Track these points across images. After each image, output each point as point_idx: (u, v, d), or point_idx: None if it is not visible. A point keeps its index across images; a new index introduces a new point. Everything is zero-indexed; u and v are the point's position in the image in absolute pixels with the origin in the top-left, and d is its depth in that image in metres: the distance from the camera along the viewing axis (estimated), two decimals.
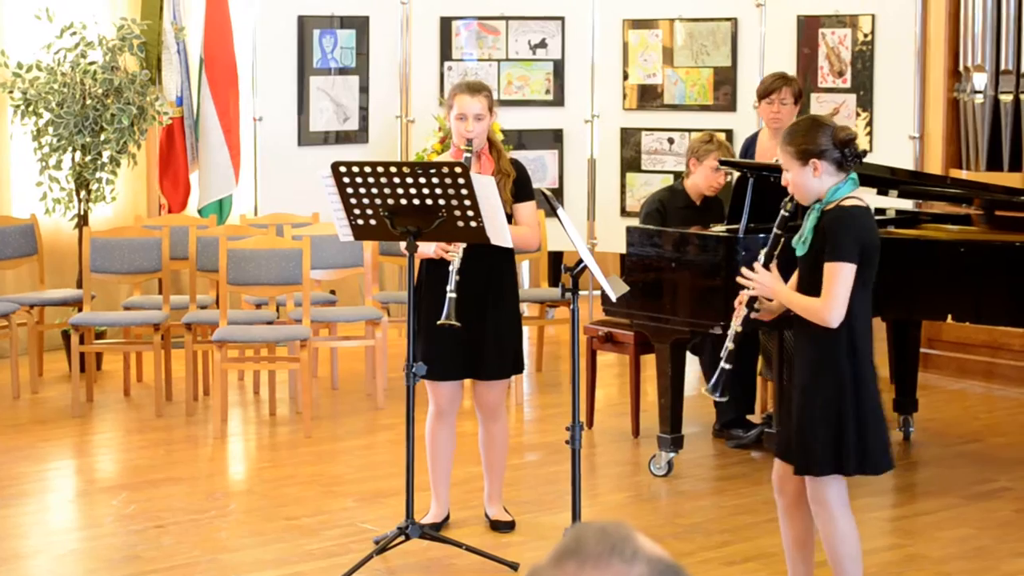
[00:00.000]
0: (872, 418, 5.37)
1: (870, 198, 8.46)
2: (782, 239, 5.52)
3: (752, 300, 5.55)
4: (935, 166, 10.14)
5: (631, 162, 11.46)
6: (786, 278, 5.48)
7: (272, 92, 11.14)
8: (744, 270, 5.52)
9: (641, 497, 7.58)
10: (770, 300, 5.52)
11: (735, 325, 5.61)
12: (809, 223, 5.37)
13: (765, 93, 8.33)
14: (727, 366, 5.67)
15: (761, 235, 6.94)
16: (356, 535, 6.82)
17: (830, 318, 5.25)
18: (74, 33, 10.31)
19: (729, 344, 5.65)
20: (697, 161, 8.31)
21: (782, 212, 5.52)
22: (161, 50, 11.00)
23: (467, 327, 6.40)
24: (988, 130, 9.94)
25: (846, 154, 5.33)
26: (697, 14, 11.22)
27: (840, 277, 5.24)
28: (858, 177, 5.42)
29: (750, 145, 8.71)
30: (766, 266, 5.49)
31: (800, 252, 5.41)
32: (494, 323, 6.64)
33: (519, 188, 6.72)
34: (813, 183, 5.34)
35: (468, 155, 6.48)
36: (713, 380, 5.71)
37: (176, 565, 6.45)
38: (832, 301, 5.24)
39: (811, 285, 5.33)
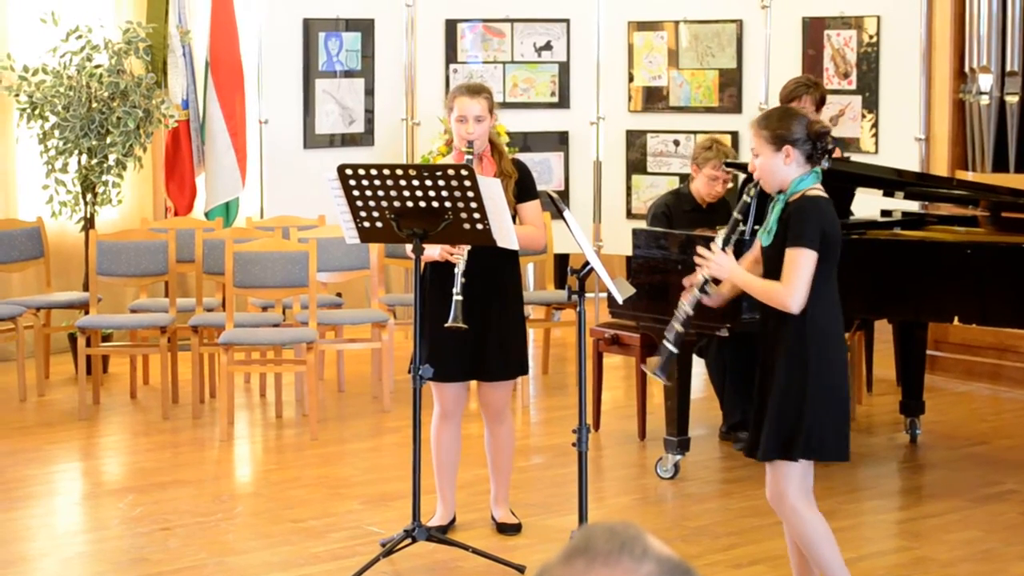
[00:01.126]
0: (828, 406, 5.37)
1: (877, 200, 8.51)
2: (740, 224, 5.56)
3: (704, 283, 5.58)
4: (941, 167, 10.14)
5: (637, 164, 11.47)
6: None
7: (278, 95, 11.15)
8: (700, 249, 5.54)
9: (648, 500, 7.57)
10: (719, 284, 5.56)
11: (685, 307, 5.64)
12: (774, 214, 5.42)
13: (787, 100, 8.28)
14: (674, 350, 5.68)
15: None
16: (362, 537, 6.82)
17: (790, 302, 5.28)
18: (80, 36, 10.31)
19: (678, 327, 5.66)
20: (698, 168, 8.36)
21: (745, 198, 5.57)
22: (167, 53, 11.01)
23: (472, 329, 6.40)
24: (994, 131, 9.94)
25: (817, 147, 5.39)
26: (702, 16, 11.22)
27: (801, 262, 5.27)
28: (822, 173, 5.46)
29: None
30: (723, 249, 5.52)
31: (765, 242, 5.45)
32: (498, 325, 6.64)
33: (522, 188, 6.72)
34: (782, 170, 5.38)
35: (469, 157, 6.48)
36: (660, 363, 5.71)
37: (183, 567, 6.45)
38: (792, 285, 5.27)
39: (775, 274, 5.36)
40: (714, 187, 8.30)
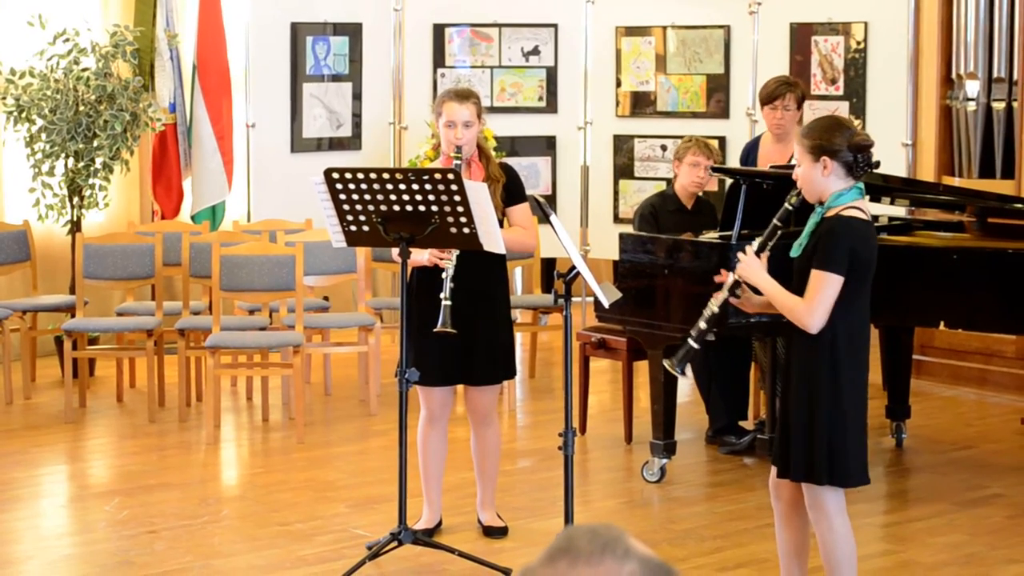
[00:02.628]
0: (856, 431, 5.38)
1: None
2: (779, 231, 5.52)
3: (735, 285, 5.55)
4: (928, 173, 10.16)
5: (624, 169, 11.48)
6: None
7: (265, 99, 11.15)
8: (740, 254, 5.50)
9: (634, 503, 7.58)
10: (755, 292, 5.52)
11: (712, 305, 5.60)
12: (808, 227, 5.38)
13: (769, 99, 8.30)
14: (695, 345, 5.65)
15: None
16: (349, 541, 6.82)
17: (810, 322, 5.27)
18: (67, 40, 10.30)
19: (702, 324, 5.62)
20: (679, 162, 8.38)
21: (786, 205, 5.51)
22: (154, 56, 11.01)
23: (458, 333, 6.40)
24: (981, 137, 9.96)
25: (858, 159, 5.31)
26: (690, 21, 11.24)
27: (824, 285, 5.25)
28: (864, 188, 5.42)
29: (751, 150, 8.70)
30: (758, 254, 5.49)
31: (794, 253, 5.41)
32: (485, 329, 6.65)
33: (510, 192, 6.74)
34: (820, 181, 5.33)
35: (458, 162, 6.48)
36: (679, 355, 5.68)
37: (169, 570, 6.45)
38: (813, 306, 5.26)
39: (801, 286, 5.34)
40: (696, 173, 8.30)
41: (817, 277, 5.26)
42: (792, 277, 5.41)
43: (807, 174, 5.36)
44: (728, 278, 5.56)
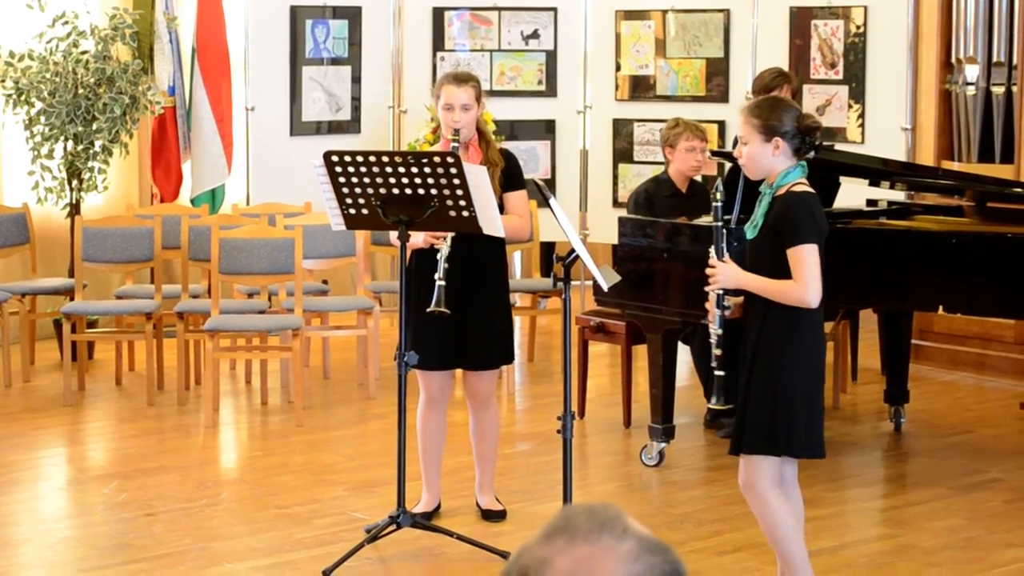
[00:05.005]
0: (809, 402, 5.40)
1: (862, 189, 8.52)
2: (724, 229, 5.56)
3: (720, 299, 5.56)
4: (927, 158, 10.15)
5: (623, 153, 11.47)
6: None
7: (264, 82, 11.13)
8: (708, 269, 5.53)
9: (632, 487, 7.59)
10: (736, 295, 5.54)
11: (713, 330, 5.62)
12: (761, 208, 5.42)
13: (766, 90, 8.27)
14: (720, 373, 5.67)
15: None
16: (347, 524, 6.83)
17: (809, 298, 5.31)
18: (66, 22, 10.29)
19: (716, 351, 5.64)
20: (671, 148, 8.36)
21: (715, 204, 5.56)
22: (153, 39, 10.99)
23: (457, 317, 6.41)
24: (980, 122, 9.95)
25: (806, 141, 5.39)
26: (689, 5, 11.22)
27: (806, 258, 5.30)
28: (807, 165, 5.47)
29: None
30: (721, 260, 5.51)
31: (750, 235, 5.47)
32: (483, 313, 6.65)
33: (508, 177, 6.73)
34: (769, 160, 5.39)
35: (455, 145, 6.48)
36: (716, 390, 5.72)
37: (167, 553, 6.46)
38: (805, 282, 5.30)
39: (763, 267, 5.37)
40: (694, 158, 8.30)
41: (796, 253, 5.30)
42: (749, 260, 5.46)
43: (756, 152, 5.41)
44: (712, 298, 5.58)
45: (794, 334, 5.37)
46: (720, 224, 5.56)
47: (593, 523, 1.88)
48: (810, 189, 5.41)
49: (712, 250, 5.54)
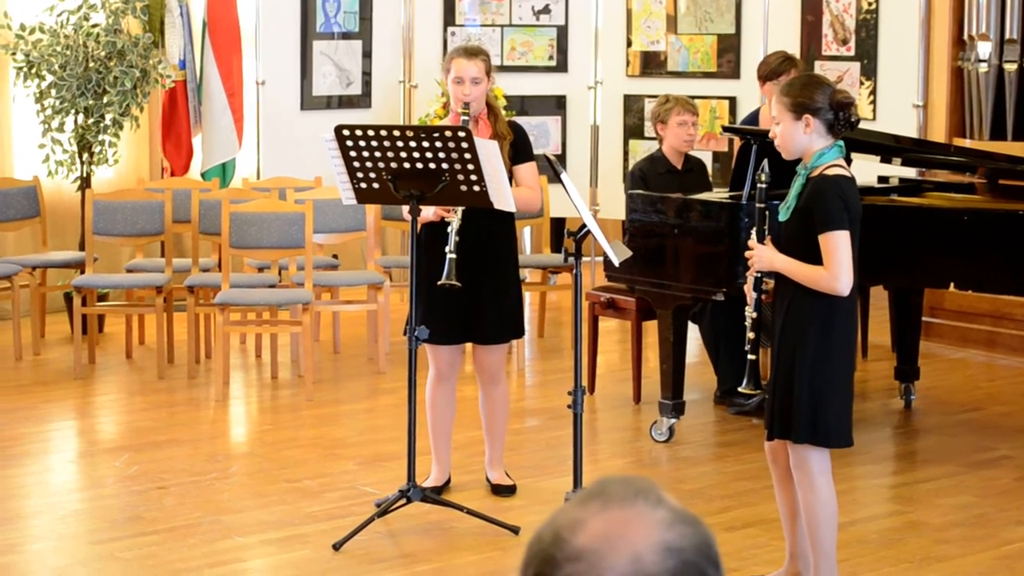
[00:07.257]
0: (845, 392, 5.40)
1: (874, 166, 8.50)
2: (766, 212, 5.53)
3: (758, 282, 5.54)
4: (939, 135, 10.13)
5: (634, 129, 11.46)
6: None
7: (275, 56, 11.12)
8: (747, 252, 5.52)
9: (642, 463, 7.59)
10: (771, 277, 5.52)
11: (748, 312, 5.60)
12: (794, 189, 5.37)
13: (773, 75, 8.23)
14: (752, 357, 5.66)
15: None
16: (357, 498, 6.84)
17: (839, 286, 5.25)
18: None
19: (749, 334, 5.63)
20: (663, 124, 8.35)
21: (759, 185, 5.54)
22: (164, 13, 10.99)
23: (466, 291, 6.41)
24: (992, 99, 9.93)
25: (839, 117, 5.30)
26: None
27: (837, 245, 5.24)
28: (845, 145, 5.42)
29: (751, 121, 8.70)
30: (761, 243, 5.49)
31: (783, 217, 5.41)
32: (493, 287, 6.65)
33: (517, 150, 6.72)
34: (801, 139, 5.32)
35: (465, 119, 6.48)
36: (747, 375, 5.71)
37: (177, 526, 6.47)
38: (837, 270, 5.24)
39: (795, 249, 5.34)
40: (686, 132, 8.29)
41: (827, 240, 5.24)
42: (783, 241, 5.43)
43: (788, 132, 5.35)
44: (749, 280, 5.56)
45: (824, 320, 5.33)
46: (763, 206, 5.53)
47: (628, 490, 1.91)
48: (846, 172, 5.33)
49: (753, 232, 5.52)
